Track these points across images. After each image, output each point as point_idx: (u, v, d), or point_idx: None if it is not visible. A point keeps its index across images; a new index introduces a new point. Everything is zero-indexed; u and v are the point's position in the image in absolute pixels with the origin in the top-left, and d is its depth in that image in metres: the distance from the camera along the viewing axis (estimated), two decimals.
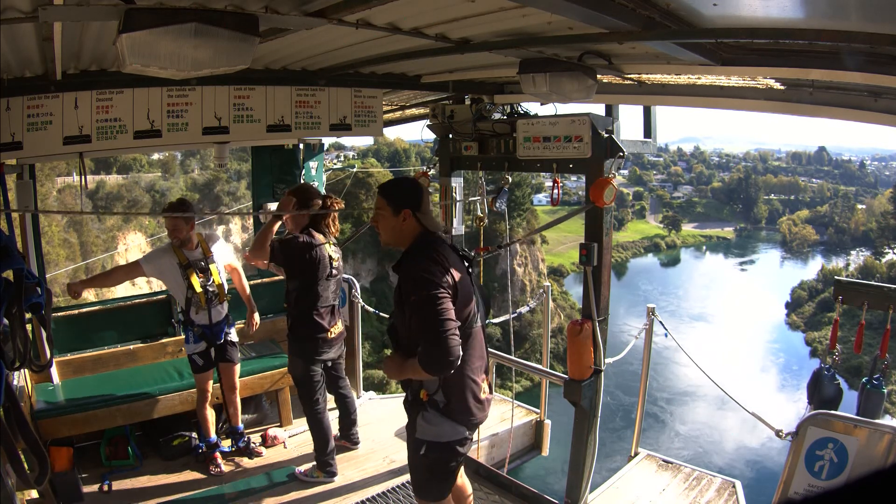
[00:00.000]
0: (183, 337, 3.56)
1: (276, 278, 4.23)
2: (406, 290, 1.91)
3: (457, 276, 1.96)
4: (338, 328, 3.39)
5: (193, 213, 3.43)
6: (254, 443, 3.78)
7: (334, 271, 3.32)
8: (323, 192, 4.61)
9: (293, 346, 3.32)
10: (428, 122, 4.15)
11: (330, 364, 3.46)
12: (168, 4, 1.87)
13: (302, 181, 4.36)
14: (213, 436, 3.56)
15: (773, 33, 1.90)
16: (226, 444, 3.73)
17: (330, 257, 3.28)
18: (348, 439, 3.75)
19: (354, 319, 4.43)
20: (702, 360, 3.82)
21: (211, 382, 3.52)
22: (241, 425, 3.73)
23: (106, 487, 3.34)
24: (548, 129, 3.24)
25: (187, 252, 3.40)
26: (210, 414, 3.54)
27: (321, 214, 3.24)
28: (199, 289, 3.37)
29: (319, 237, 3.23)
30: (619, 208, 56.42)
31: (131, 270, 3.45)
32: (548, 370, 3.86)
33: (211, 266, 3.45)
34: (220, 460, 3.56)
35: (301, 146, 4.34)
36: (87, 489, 3.29)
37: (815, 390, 2.78)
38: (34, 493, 2.93)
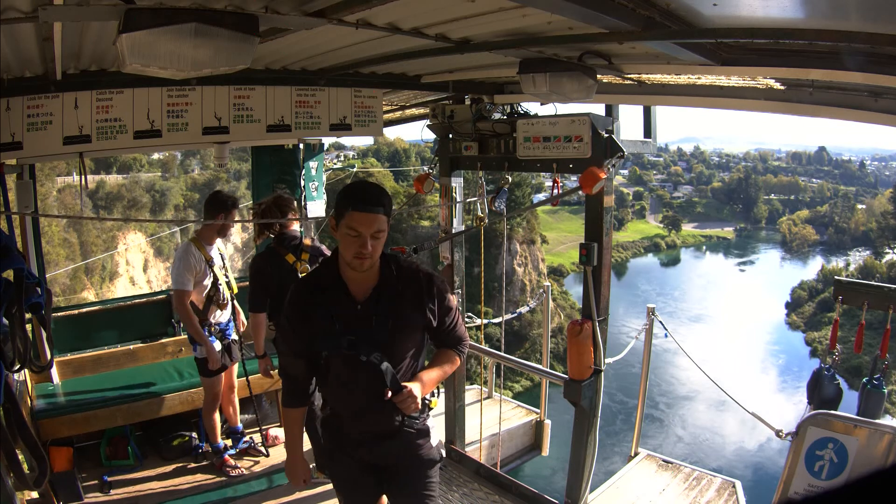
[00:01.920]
0: (184, 336, 3.55)
1: None
2: (436, 299, 1.80)
3: None
4: None
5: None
6: (256, 443, 3.78)
7: None
8: (323, 192, 4.61)
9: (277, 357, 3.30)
10: (428, 122, 4.15)
11: None
12: (168, 4, 1.87)
13: (301, 182, 4.36)
14: (220, 441, 3.54)
15: (773, 33, 1.90)
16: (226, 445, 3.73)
17: (294, 270, 3.14)
18: None
19: None
20: (702, 361, 3.83)
21: (221, 385, 3.49)
22: (240, 425, 3.73)
23: (106, 487, 3.34)
24: (548, 129, 3.24)
25: (208, 247, 3.38)
26: (218, 420, 3.52)
27: (283, 226, 3.16)
28: (222, 285, 3.39)
29: (282, 249, 3.13)
30: (619, 208, 56.41)
31: (184, 298, 3.25)
32: (548, 370, 3.86)
33: (225, 263, 3.49)
34: (232, 461, 3.56)
35: (301, 146, 4.34)
36: (86, 489, 3.30)
37: (815, 390, 2.78)
38: (34, 494, 2.93)
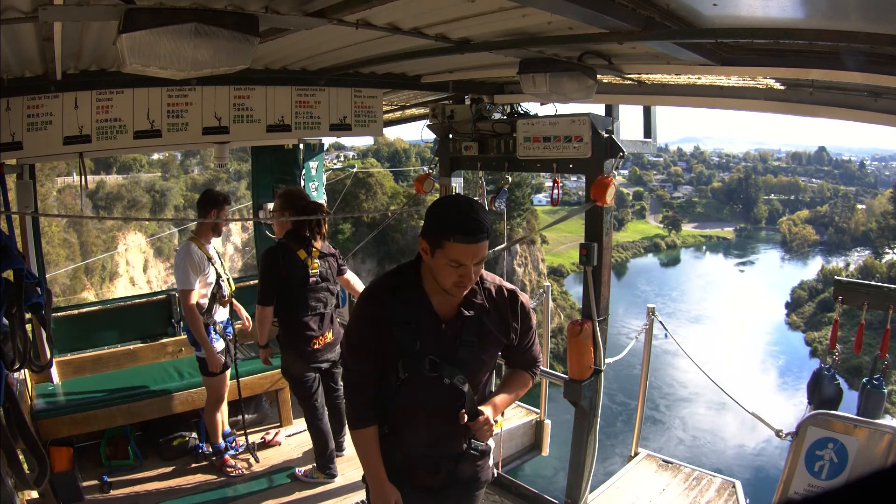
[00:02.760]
0: (184, 336, 3.53)
1: None
2: (520, 317, 1.70)
3: None
4: (325, 339, 3.24)
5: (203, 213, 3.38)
6: (240, 445, 3.74)
7: (311, 279, 3.17)
8: (323, 192, 4.62)
9: (282, 353, 3.30)
10: (428, 122, 4.15)
11: (325, 368, 3.32)
12: (168, 4, 1.87)
13: (301, 182, 4.36)
14: (221, 442, 3.53)
15: (773, 33, 1.90)
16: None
17: (306, 266, 3.15)
18: (338, 447, 3.56)
19: None
20: (702, 361, 3.83)
21: (226, 385, 3.47)
22: (228, 428, 3.69)
23: (106, 487, 3.34)
24: (548, 129, 3.24)
25: (207, 246, 3.36)
26: (220, 420, 3.50)
27: (304, 222, 3.15)
28: (224, 281, 3.38)
29: (294, 245, 3.14)
30: (619, 208, 56.40)
31: (190, 297, 3.21)
32: (548, 370, 3.85)
33: (222, 261, 3.50)
34: (233, 461, 3.54)
35: (301, 146, 4.34)
36: (87, 489, 3.29)
37: (815, 390, 2.78)
38: (34, 494, 2.93)
